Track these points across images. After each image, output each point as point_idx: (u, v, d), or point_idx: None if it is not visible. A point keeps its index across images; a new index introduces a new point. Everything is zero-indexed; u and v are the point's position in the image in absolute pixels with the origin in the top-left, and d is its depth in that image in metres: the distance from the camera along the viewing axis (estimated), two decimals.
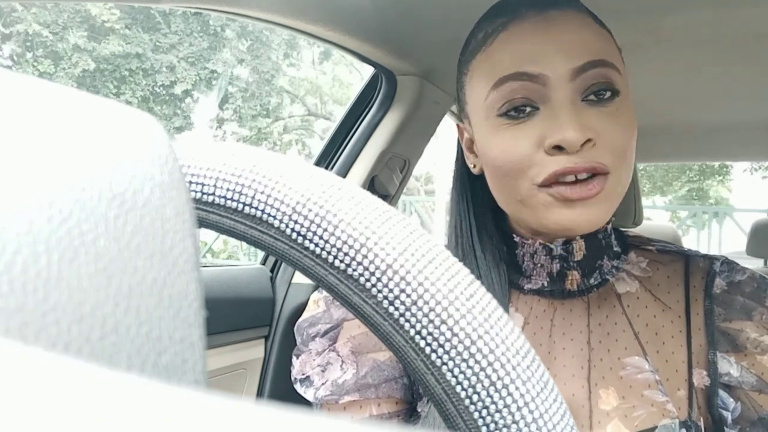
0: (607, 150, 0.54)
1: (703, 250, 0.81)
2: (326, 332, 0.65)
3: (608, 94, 0.55)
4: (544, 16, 0.56)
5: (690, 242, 8.90)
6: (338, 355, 0.63)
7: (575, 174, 0.53)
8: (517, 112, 0.55)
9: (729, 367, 0.59)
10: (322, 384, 0.63)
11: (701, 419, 0.59)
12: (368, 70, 1.13)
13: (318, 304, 0.67)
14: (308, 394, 0.63)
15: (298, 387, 0.65)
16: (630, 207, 1.39)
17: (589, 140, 0.53)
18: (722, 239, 8.51)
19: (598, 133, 0.54)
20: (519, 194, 0.56)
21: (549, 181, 0.54)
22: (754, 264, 2.43)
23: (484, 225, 0.64)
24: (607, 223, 0.63)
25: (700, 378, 0.60)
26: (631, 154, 0.56)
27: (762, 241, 2.43)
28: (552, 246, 0.61)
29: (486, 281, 0.61)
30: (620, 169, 0.55)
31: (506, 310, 0.62)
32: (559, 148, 0.53)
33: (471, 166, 0.65)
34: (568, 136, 0.52)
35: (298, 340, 0.67)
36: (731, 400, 0.58)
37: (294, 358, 0.66)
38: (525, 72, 0.54)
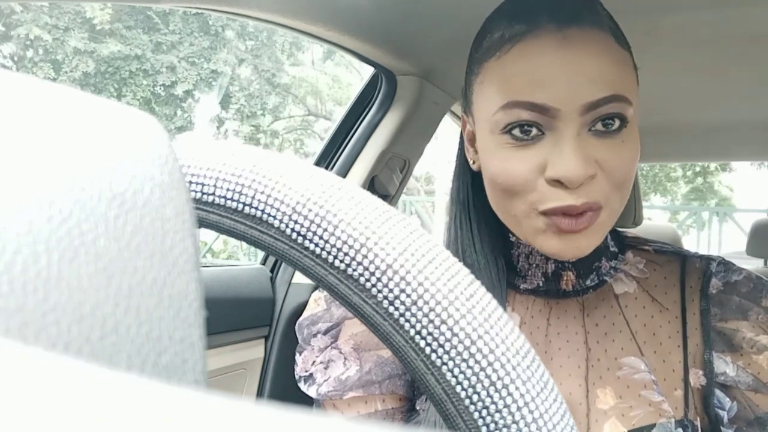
0: (606, 182, 0.54)
1: (703, 251, 0.81)
2: (327, 330, 0.65)
3: (617, 124, 0.54)
4: (564, 33, 0.54)
5: (690, 242, 8.90)
6: (340, 353, 0.63)
7: (573, 213, 0.53)
8: (522, 133, 0.55)
9: (725, 366, 0.59)
10: (325, 380, 0.63)
11: (698, 419, 0.59)
12: (368, 70, 1.13)
13: (318, 302, 0.67)
14: (311, 391, 0.63)
15: (301, 385, 0.65)
16: (630, 207, 1.39)
17: (590, 176, 0.53)
18: (722, 239, 8.51)
19: (601, 166, 0.54)
20: (514, 211, 0.57)
21: (549, 213, 0.54)
22: (754, 264, 2.43)
23: (484, 218, 0.64)
24: None
25: (697, 378, 0.60)
26: (629, 184, 0.56)
27: (762, 241, 2.43)
28: None
29: (485, 274, 0.61)
30: (615, 200, 0.55)
31: (503, 306, 0.62)
32: (559, 182, 0.53)
33: (470, 161, 0.64)
34: (570, 173, 0.52)
35: (299, 338, 0.67)
36: (727, 399, 0.59)
37: (297, 355, 0.66)
38: (536, 103, 0.53)
